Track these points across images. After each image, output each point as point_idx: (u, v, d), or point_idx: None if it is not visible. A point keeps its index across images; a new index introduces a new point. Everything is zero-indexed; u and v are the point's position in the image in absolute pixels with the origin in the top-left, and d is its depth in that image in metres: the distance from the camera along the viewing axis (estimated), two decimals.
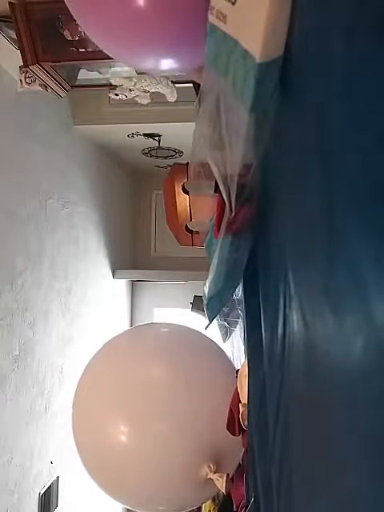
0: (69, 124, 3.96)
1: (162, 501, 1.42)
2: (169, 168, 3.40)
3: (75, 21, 1.39)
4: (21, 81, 2.42)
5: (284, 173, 0.70)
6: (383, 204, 0.34)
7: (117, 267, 5.15)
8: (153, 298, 5.90)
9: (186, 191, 2.74)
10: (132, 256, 5.77)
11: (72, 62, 2.40)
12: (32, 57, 2.25)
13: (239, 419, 1.15)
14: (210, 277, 1.17)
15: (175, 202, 2.81)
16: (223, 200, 0.83)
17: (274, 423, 0.77)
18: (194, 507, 1.70)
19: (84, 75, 2.64)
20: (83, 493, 3.89)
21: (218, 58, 0.72)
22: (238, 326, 1.82)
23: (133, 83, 2.52)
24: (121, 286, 5.51)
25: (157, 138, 4.27)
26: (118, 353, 1.52)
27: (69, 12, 1.29)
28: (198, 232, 2.65)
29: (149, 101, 2.71)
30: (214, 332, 1.78)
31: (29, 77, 2.40)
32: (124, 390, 1.38)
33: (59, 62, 2.33)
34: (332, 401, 0.47)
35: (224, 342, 2.00)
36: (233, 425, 1.18)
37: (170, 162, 4.47)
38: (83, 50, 2.24)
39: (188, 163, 1.08)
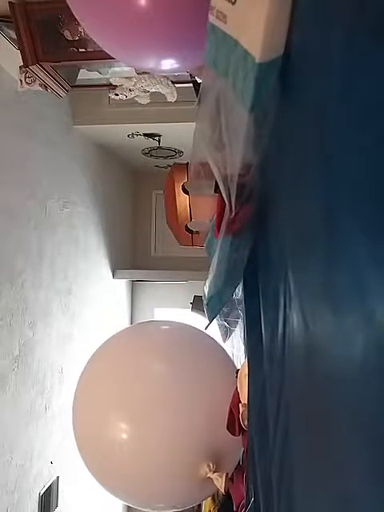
0: (69, 124, 3.96)
1: (161, 498, 1.43)
2: (169, 168, 3.40)
3: (75, 21, 1.40)
4: (21, 81, 2.42)
5: (284, 173, 0.70)
6: (383, 204, 0.34)
7: (117, 267, 5.16)
8: (153, 298, 5.90)
9: (185, 191, 2.74)
10: (132, 256, 5.77)
11: (72, 61, 2.40)
12: (32, 57, 2.25)
13: (239, 419, 1.15)
14: (210, 277, 1.17)
15: (175, 202, 2.81)
16: (223, 200, 0.83)
17: (274, 423, 0.77)
18: (194, 505, 1.71)
19: (84, 75, 2.65)
20: (83, 493, 3.89)
21: (218, 58, 0.72)
22: (237, 326, 1.82)
23: (133, 83, 2.52)
24: (121, 286, 5.51)
25: (157, 138, 4.28)
26: (119, 350, 1.52)
27: (69, 12, 1.29)
28: (198, 232, 2.66)
29: (149, 101, 2.71)
30: (214, 332, 1.78)
31: (29, 77, 2.40)
32: (124, 389, 1.38)
33: (59, 61, 2.33)
34: (332, 400, 0.47)
35: (224, 341, 2.00)
36: (233, 425, 1.18)
37: (170, 162, 4.48)
38: (83, 50, 2.24)
39: (188, 163, 1.08)
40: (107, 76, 2.60)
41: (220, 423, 1.22)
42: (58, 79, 2.46)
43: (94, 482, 1.46)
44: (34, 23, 2.21)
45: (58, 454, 3.63)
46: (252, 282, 1.06)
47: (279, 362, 0.73)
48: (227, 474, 1.27)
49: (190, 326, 1.67)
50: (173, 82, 2.54)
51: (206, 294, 1.30)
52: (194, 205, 2.50)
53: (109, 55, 1.42)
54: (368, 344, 0.36)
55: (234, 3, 0.63)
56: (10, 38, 2.39)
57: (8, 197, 3.04)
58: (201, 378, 1.40)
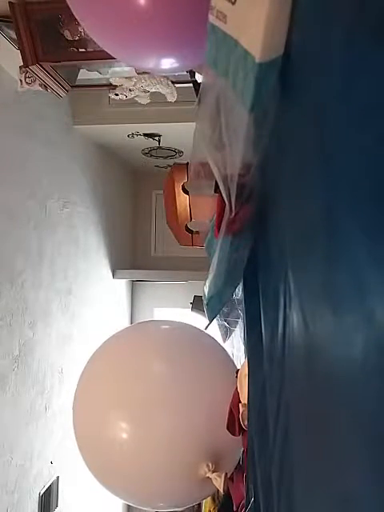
0: (69, 124, 3.96)
1: (161, 498, 1.43)
2: (169, 168, 3.40)
3: (75, 21, 1.40)
4: (21, 81, 2.42)
5: (284, 173, 0.70)
6: (383, 204, 0.34)
7: (117, 267, 5.16)
8: (153, 298, 5.90)
9: (185, 191, 2.74)
10: (132, 256, 5.77)
11: (72, 61, 2.40)
12: (32, 57, 2.25)
13: (239, 419, 1.15)
14: (210, 277, 1.17)
15: (175, 202, 2.81)
16: (223, 200, 0.83)
17: (274, 423, 0.77)
18: (194, 505, 1.71)
19: (84, 75, 2.65)
20: (83, 493, 3.89)
21: (218, 58, 0.72)
22: (237, 326, 1.82)
23: (133, 83, 2.52)
24: (121, 286, 5.51)
25: (157, 138, 4.28)
26: (118, 350, 1.53)
27: (69, 12, 1.30)
28: (198, 232, 2.66)
29: (149, 101, 2.71)
30: (214, 332, 1.78)
31: (29, 77, 2.40)
32: (124, 388, 1.39)
33: (59, 61, 2.33)
34: (332, 400, 0.47)
35: (224, 341, 2.00)
36: (233, 425, 1.18)
37: (170, 162, 4.48)
38: (83, 50, 2.24)
39: (188, 163, 1.08)
40: (107, 76, 2.60)
41: (220, 423, 1.22)
42: (58, 79, 2.46)
43: (94, 482, 1.46)
44: (33, 23, 2.21)
45: (57, 453, 3.63)
46: (252, 282, 1.06)
47: (279, 361, 0.73)
48: (226, 473, 1.27)
49: (190, 326, 1.67)
50: (173, 82, 2.54)
51: (206, 294, 1.30)
52: (194, 205, 2.50)
53: (109, 55, 1.42)
54: (368, 344, 0.36)
55: (234, 3, 0.63)
56: (10, 38, 2.39)
57: (8, 197, 3.04)
58: (201, 377, 1.40)
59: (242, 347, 1.58)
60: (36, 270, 3.40)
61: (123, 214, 5.51)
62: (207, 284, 1.25)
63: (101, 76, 2.61)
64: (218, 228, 0.95)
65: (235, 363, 1.59)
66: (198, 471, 1.29)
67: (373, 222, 0.36)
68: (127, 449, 1.32)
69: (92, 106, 3.91)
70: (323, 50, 0.49)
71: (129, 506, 4.68)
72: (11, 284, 3.07)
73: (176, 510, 1.56)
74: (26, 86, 2.44)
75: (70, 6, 1.27)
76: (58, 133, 3.74)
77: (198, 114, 0.83)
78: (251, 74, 0.63)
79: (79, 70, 2.60)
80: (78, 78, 2.66)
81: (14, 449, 3.08)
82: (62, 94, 2.60)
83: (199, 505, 1.98)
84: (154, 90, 2.59)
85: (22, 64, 2.32)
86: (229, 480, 1.27)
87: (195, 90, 2.43)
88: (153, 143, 4.39)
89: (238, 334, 1.81)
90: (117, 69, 2.51)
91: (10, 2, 2.16)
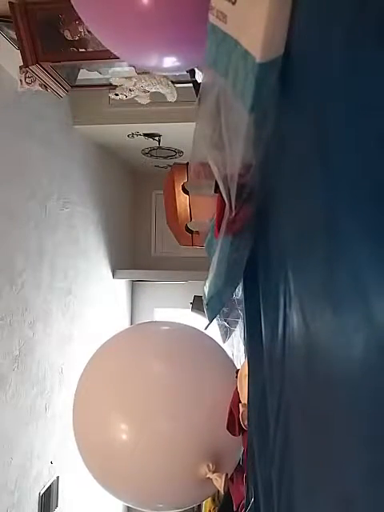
0: (69, 124, 3.96)
1: (161, 498, 1.43)
2: (169, 168, 3.40)
3: (75, 21, 1.40)
4: (21, 81, 2.42)
5: (284, 173, 0.70)
6: (383, 204, 0.34)
7: (117, 267, 5.16)
8: (153, 298, 5.90)
9: (186, 191, 2.74)
10: (132, 256, 5.77)
11: (72, 61, 2.40)
12: (32, 57, 2.25)
13: (239, 419, 1.15)
14: (210, 277, 1.17)
15: (175, 202, 2.81)
16: (223, 200, 0.83)
17: (274, 423, 0.77)
18: (194, 505, 1.71)
19: (84, 75, 2.65)
20: (83, 493, 3.89)
21: (218, 58, 0.72)
22: (237, 326, 1.82)
23: (133, 83, 2.52)
24: (121, 286, 5.51)
25: (157, 138, 4.27)
26: (119, 351, 1.53)
27: (69, 12, 1.30)
28: (198, 232, 2.66)
29: (149, 101, 2.71)
30: (214, 332, 1.78)
31: (29, 77, 2.40)
32: (124, 389, 1.39)
33: (59, 61, 2.33)
34: (332, 400, 0.47)
35: (224, 341, 2.00)
36: (233, 425, 1.18)
37: (170, 161, 4.47)
38: (83, 50, 2.24)
39: (188, 163, 1.08)
40: (107, 76, 2.60)
41: (220, 423, 1.22)
42: (58, 79, 2.46)
43: (94, 482, 1.46)
44: (33, 23, 2.21)
45: (58, 454, 3.63)
46: (252, 282, 1.06)
47: (279, 362, 0.73)
48: (227, 474, 1.27)
49: (190, 327, 1.67)
50: (173, 82, 2.54)
51: (206, 294, 1.30)
52: (194, 205, 2.50)
53: (109, 55, 1.43)
54: (368, 344, 0.36)
55: (234, 3, 0.63)
56: (10, 38, 2.39)
57: (8, 197, 3.04)
58: (201, 378, 1.40)
59: (242, 347, 1.58)
60: (36, 270, 3.40)
61: (123, 214, 5.51)
62: (207, 284, 1.25)
63: (101, 76, 2.61)
64: (218, 228, 0.95)
65: (235, 363, 1.60)
66: (198, 472, 1.29)
67: (373, 222, 0.36)
68: (127, 450, 1.32)
69: (92, 106, 3.91)
70: (323, 50, 0.49)
71: (129, 506, 4.68)
72: (11, 284, 3.07)
73: (176, 510, 1.55)
74: (26, 86, 2.44)
75: (73, 4, 1.28)
76: (57, 133, 3.74)
77: (198, 114, 0.83)
78: (251, 74, 0.63)
79: (79, 70, 2.60)
80: (78, 78, 2.66)
81: (14, 449, 3.08)
82: (62, 93, 2.60)
83: (199, 505, 1.98)
84: (154, 90, 2.59)
85: (22, 64, 2.32)
86: (229, 480, 1.27)
87: (195, 90, 2.43)
88: (153, 143, 4.39)
89: (238, 334, 1.81)
90: (117, 69, 2.51)
91: (9, 2, 2.16)
